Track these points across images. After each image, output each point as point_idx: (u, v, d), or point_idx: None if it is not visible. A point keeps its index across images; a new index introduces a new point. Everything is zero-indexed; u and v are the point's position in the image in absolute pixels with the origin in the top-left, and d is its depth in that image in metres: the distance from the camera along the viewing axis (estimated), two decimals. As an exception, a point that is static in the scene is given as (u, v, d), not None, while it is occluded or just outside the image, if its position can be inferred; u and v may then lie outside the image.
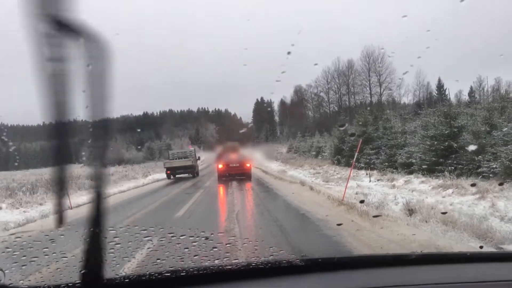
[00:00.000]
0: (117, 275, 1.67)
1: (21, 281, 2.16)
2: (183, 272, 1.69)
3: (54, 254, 3.01)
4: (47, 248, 3.14)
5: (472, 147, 15.79)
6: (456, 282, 1.56)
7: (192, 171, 29.11)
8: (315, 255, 1.89)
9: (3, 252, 3.10)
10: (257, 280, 1.68)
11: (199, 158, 31.90)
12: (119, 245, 3.13)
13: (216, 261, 2.45)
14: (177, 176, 28.64)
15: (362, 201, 9.94)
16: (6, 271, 1.52)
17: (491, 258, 1.85)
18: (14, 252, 3.08)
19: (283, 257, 1.90)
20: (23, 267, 2.56)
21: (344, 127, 30.63)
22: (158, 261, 2.93)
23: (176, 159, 29.58)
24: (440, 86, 67.51)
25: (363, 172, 22.56)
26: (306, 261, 1.77)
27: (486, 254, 1.82)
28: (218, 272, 1.72)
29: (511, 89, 54.73)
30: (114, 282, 1.60)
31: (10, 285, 1.51)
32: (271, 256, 3.02)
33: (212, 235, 3.48)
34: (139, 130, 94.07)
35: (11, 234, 8.32)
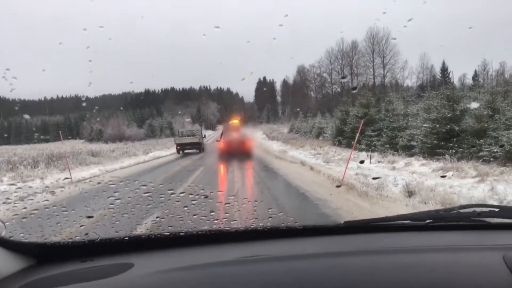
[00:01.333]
0: (117, 232, 1.69)
1: (22, 234, 2.16)
2: (181, 233, 1.71)
3: (54, 207, 3.02)
4: (47, 200, 3.17)
5: (474, 104, 15.87)
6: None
7: (199, 147, 32.35)
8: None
9: (4, 203, 3.11)
10: (256, 242, 1.69)
11: (205, 136, 35.77)
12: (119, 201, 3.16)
13: (216, 221, 2.47)
14: (185, 151, 31.88)
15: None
16: (6, 223, 1.51)
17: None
18: (14, 203, 3.09)
19: (282, 221, 1.95)
20: (24, 220, 2.57)
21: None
22: (157, 219, 2.97)
23: (185, 136, 33.31)
24: (444, 69, 67.14)
25: (364, 153, 22.56)
26: (304, 226, 1.81)
27: (478, 224, 1.83)
28: (217, 234, 1.73)
29: (516, 74, 54.32)
30: (113, 241, 1.61)
31: (10, 239, 1.50)
32: (270, 218, 3.05)
33: (211, 193, 3.51)
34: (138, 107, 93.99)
35: (11, 184, 8.39)
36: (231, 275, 1.34)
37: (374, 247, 1.59)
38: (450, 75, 64.49)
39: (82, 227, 2.61)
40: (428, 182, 11.32)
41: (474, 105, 16.53)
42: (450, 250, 1.53)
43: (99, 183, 8.90)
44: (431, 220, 1.84)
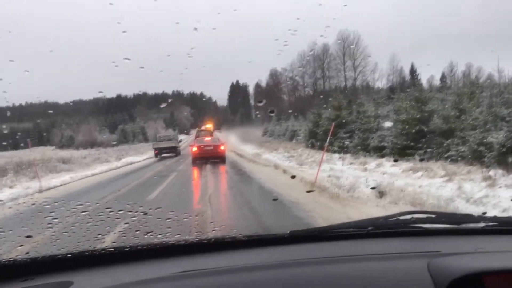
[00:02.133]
0: (58, 250, 1.66)
1: None
2: (126, 248, 1.69)
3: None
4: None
5: (388, 124, 16.40)
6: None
7: (175, 151, 34.53)
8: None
9: None
10: (201, 255, 1.69)
11: (181, 141, 38.00)
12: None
13: (159, 236, 2.46)
14: (162, 155, 33.54)
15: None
16: None
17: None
18: None
19: (227, 233, 1.93)
20: None
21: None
22: (99, 236, 2.93)
23: (162, 141, 35.35)
24: (413, 71, 68.61)
25: (336, 155, 22.82)
26: (248, 236, 1.81)
27: (407, 231, 1.90)
28: (161, 247, 1.72)
29: (481, 74, 55.91)
30: (55, 258, 1.60)
31: None
32: (213, 231, 3.06)
33: (150, 210, 3.49)
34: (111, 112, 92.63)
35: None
36: None
37: (316, 256, 1.61)
38: (419, 77, 65.92)
39: (21, 247, 2.58)
40: (398, 182, 11.53)
41: (387, 124, 17.20)
42: (382, 259, 1.57)
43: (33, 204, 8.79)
44: (372, 228, 1.89)
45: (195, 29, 8.85)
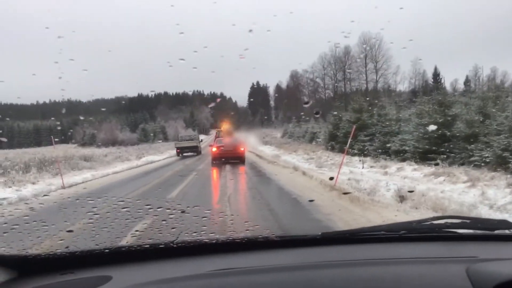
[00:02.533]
0: (97, 245, 1.68)
1: (3, 248, 2.17)
2: (161, 245, 1.71)
3: (34, 222, 3.04)
4: (27, 216, 3.20)
5: (432, 127, 16.21)
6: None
7: (196, 150, 35.89)
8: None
9: None
10: (234, 254, 1.70)
11: (201, 140, 39.17)
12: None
13: (194, 234, 2.47)
14: (184, 154, 34.86)
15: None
16: None
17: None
18: None
19: (259, 233, 1.93)
20: (5, 234, 2.57)
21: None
22: (137, 232, 2.95)
23: (184, 141, 37.04)
24: (436, 74, 67.61)
25: (356, 158, 22.63)
26: (281, 237, 1.81)
27: (442, 235, 1.87)
28: (195, 246, 1.74)
29: (506, 79, 54.83)
30: (93, 253, 1.62)
31: None
32: (247, 231, 3.07)
33: (188, 208, 3.51)
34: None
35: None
36: (208, 287, 1.35)
37: (347, 259, 1.60)
38: (442, 81, 64.97)
39: (62, 241, 2.63)
40: (419, 187, 11.38)
41: (432, 127, 16.87)
42: (417, 262, 1.56)
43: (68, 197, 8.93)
44: (405, 231, 1.87)
45: (250, 31, 8.82)
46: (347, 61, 75.61)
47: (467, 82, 64.28)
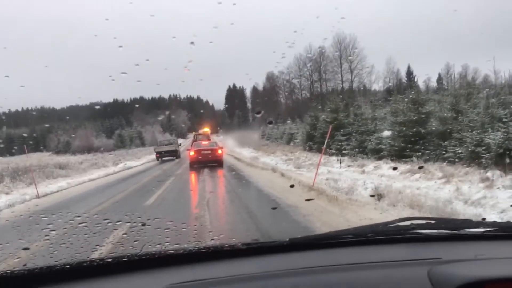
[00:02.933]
0: (56, 262, 1.63)
1: None
2: (124, 258, 1.66)
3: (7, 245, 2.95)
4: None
5: (386, 133, 16.65)
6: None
7: (175, 154, 36.79)
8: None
9: None
10: (200, 264, 1.67)
11: (180, 145, 40.34)
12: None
13: (158, 245, 2.43)
14: (163, 158, 35.78)
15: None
16: None
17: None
18: None
19: (226, 241, 1.90)
20: None
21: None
22: (97, 247, 2.88)
23: (163, 145, 37.88)
24: (409, 73, 68.86)
25: (334, 158, 22.79)
26: (247, 244, 1.79)
27: (407, 237, 1.89)
28: (160, 257, 1.70)
29: (477, 76, 56.10)
30: (53, 269, 1.57)
31: None
32: (212, 240, 3.04)
33: (149, 220, 3.46)
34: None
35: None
36: None
37: (314, 265, 1.59)
38: (415, 79, 66.10)
39: (19, 259, 2.54)
40: (396, 184, 11.52)
41: (386, 133, 17.31)
42: (382, 266, 1.56)
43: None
44: (371, 234, 1.87)
45: (192, 43, 8.79)
46: (322, 62, 76.21)
47: (439, 80, 65.55)
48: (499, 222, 2.03)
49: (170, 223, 3.18)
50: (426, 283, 1.30)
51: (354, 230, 1.95)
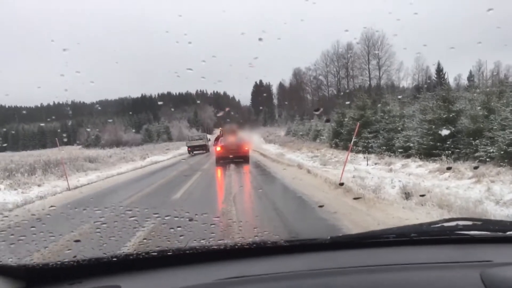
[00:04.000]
0: (105, 254, 1.68)
1: (10, 259, 2.17)
2: (169, 252, 1.70)
3: (41, 234, 3.04)
4: (34, 227, 3.21)
5: (445, 131, 16.20)
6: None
7: (205, 148, 39.63)
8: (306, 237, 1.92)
9: None
10: (243, 260, 1.70)
11: (209, 140, 42.51)
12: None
13: (202, 241, 2.47)
14: (194, 152, 38.79)
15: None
16: None
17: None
18: (1, 231, 3.11)
19: (268, 238, 1.92)
20: (12, 246, 2.59)
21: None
22: (145, 240, 2.93)
23: (194, 140, 41.38)
24: (439, 70, 67.43)
25: (360, 155, 22.60)
26: (289, 241, 1.81)
27: (454, 238, 1.84)
28: (204, 252, 1.74)
29: (510, 73, 54.56)
30: (101, 261, 1.63)
31: (0, 263, 1.52)
32: (256, 237, 3.06)
33: (196, 216, 3.50)
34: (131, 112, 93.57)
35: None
36: None
37: (358, 264, 1.59)
38: (445, 76, 64.77)
39: (69, 251, 2.62)
40: (425, 183, 11.35)
41: (445, 131, 16.89)
42: (429, 268, 1.54)
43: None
44: (415, 234, 1.85)
45: (260, 39, 8.83)
46: (349, 58, 75.47)
47: (470, 77, 63.98)
48: None
49: (217, 218, 3.23)
50: (479, 285, 1.28)
51: (397, 229, 1.93)
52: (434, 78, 65.11)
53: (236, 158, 21.97)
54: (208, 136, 50.95)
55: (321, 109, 43.40)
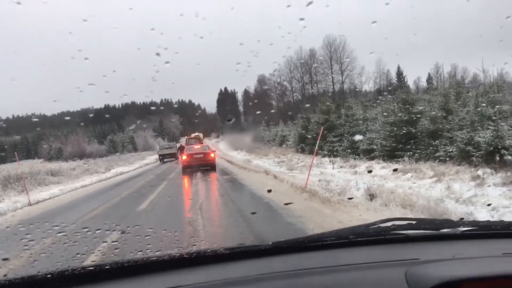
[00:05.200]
0: (38, 271, 1.63)
1: None
2: (107, 266, 1.66)
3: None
4: None
5: (358, 137, 17.04)
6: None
7: (175, 156, 40.83)
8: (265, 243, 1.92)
9: None
10: (183, 270, 1.68)
11: (178, 148, 43.57)
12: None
13: (139, 253, 2.43)
14: (164, 160, 40.80)
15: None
16: None
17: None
18: None
19: (207, 247, 1.91)
20: None
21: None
22: (78, 255, 2.86)
23: (164, 149, 43.43)
24: (399, 73, 69.28)
25: (326, 159, 22.88)
26: (230, 249, 1.80)
27: (387, 238, 1.92)
28: (142, 264, 1.70)
29: (467, 75, 56.57)
30: (30, 279, 1.56)
31: None
32: (194, 246, 3.03)
33: (128, 228, 3.45)
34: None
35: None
36: None
37: (296, 268, 1.61)
38: (405, 79, 66.58)
39: None
40: (388, 184, 11.61)
41: (358, 137, 17.66)
42: (361, 268, 1.59)
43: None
44: (353, 236, 1.90)
45: (158, 54, 8.63)
46: (312, 64, 76.48)
47: (429, 79, 65.95)
48: (479, 221, 2.06)
49: (151, 229, 3.16)
50: (402, 284, 1.33)
51: (336, 232, 1.97)
52: (395, 81, 66.82)
53: (202, 166, 21.83)
54: (178, 145, 51.30)
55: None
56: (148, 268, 1.68)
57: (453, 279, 1.29)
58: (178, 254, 1.78)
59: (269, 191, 10.97)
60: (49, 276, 1.57)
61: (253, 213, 8.50)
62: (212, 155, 22.74)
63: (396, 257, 1.68)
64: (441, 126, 16.54)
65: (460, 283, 1.28)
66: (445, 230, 1.94)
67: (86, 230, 3.36)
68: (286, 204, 8.74)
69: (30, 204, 14.04)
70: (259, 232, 6.82)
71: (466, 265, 1.53)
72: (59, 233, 3.59)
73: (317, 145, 14.50)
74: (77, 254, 2.43)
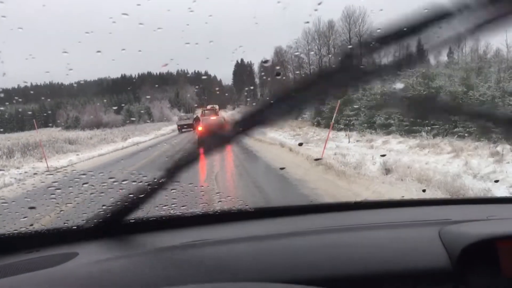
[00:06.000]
0: (65, 223, 1.66)
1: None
2: (132, 220, 1.69)
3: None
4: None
5: (399, 85, 16.76)
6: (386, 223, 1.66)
7: (192, 126, 41.25)
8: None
9: None
10: (204, 227, 1.71)
11: (195, 118, 44.70)
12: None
13: (164, 207, 2.45)
14: (182, 130, 42.71)
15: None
16: None
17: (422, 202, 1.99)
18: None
19: (232, 204, 1.95)
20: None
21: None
22: (104, 207, 2.89)
23: (182, 120, 45.89)
24: (419, 46, 67.74)
25: (342, 133, 22.74)
26: (256, 209, 1.83)
27: (417, 200, 1.93)
28: (167, 220, 1.73)
29: (489, 50, 55.13)
30: (54, 232, 1.60)
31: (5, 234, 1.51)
32: (219, 202, 3.07)
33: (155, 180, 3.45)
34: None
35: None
36: (178, 259, 1.35)
37: (328, 225, 1.64)
38: (426, 53, 65.07)
39: (25, 219, 2.55)
40: (405, 159, 11.50)
41: (399, 85, 17.25)
42: (392, 227, 1.59)
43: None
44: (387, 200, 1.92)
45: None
46: (331, 36, 75.20)
47: (450, 53, 64.46)
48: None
49: (177, 183, 3.16)
50: (437, 243, 1.31)
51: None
52: (415, 55, 65.51)
53: None
54: (194, 116, 52.33)
55: (282, 73, 46.97)
56: (173, 223, 1.72)
57: (491, 236, 1.26)
58: (203, 211, 1.83)
59: (282, 168, 10.96)
60: (74, 227, 1.61)
61: (282, 168, 8.47)
62: (227, 126, 22.72)
63: (426, 218, 1.67)
64: (461, 102, 16.24)
65: (497, 241, 1.24)
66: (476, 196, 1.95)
67: (112, 180, 3.37)
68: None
69: (48, 171, 14.27)
70: (274, 203, 6.84)
71: (502, 225, 1.50)
72: (84, 183, 3.61)
73: (333, 119, 14.38)
74: (103, 206, 2.45)
